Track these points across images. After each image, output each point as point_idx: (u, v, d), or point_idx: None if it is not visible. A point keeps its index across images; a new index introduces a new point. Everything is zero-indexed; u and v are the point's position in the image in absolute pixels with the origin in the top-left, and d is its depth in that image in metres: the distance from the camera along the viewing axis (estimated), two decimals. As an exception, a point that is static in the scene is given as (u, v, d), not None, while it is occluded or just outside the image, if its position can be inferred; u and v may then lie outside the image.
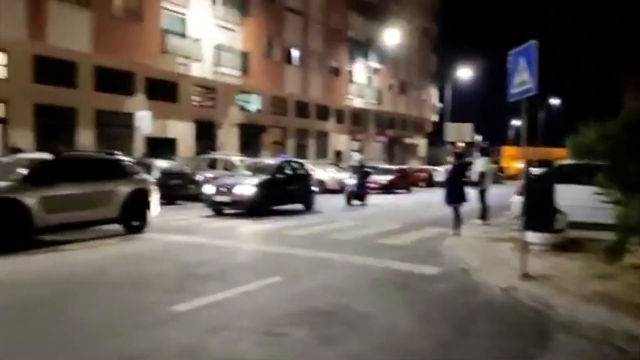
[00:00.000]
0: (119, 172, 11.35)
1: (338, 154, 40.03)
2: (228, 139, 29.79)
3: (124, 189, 11.09)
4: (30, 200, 9.18)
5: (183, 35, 26.00)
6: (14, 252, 8.69)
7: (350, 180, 19.76)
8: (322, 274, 7.88)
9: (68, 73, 21.17)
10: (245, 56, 29.71)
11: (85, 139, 21.51)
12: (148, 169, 17.78)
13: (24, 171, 9.61)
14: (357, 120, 42.89)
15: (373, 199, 21.20)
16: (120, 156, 11.96)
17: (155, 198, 11.92)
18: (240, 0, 29.28)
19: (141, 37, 23.62)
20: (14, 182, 9.33)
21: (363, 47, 41.70)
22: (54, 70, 20.47)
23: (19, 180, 9.39)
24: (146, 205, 11.64)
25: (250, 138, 31.44)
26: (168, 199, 18.01)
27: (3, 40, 18.63)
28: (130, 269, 8.03)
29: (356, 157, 23.46)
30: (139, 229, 11.39)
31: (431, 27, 54.01)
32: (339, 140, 41.03)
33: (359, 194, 19.45)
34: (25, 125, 19.63)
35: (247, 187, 15.05)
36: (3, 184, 9.22)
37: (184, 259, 8.71)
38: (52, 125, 20.51)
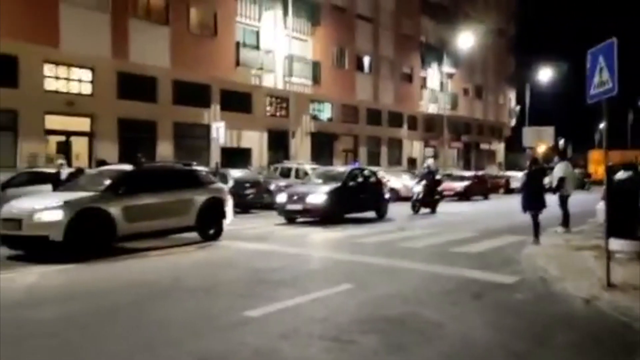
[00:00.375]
0: (195, 181, 11.77)
1: (412, 161, 39.56)
2: (300, 147, 30.20)
3: (200, 198, 11.48)
4: (113, 209, 9.69)
5: (256, 48, 26.72)
6: (99, 258, 9.22)
7: (417, 187, 19.26)
8: (392, 282, 7.79)
9: (148, 88, 22.31)
10: (316, 65, 30.07)
11: (165, 150, 22.54)
12: (224, 178, 18.41)
13: (107, 182, 10.19)
14: (430, 126, 42.25)
15: (447, 207, 20.75)
16: (196, 166, 12.41)
17: (229, 206, 12.26)
18: (311, 11, 29.71)
19: (216, 51, 24.49)
20: (99, 192, 9.92)
21: (436, 51, 41.07)
22: (135, 85, 21.65)
23: (103, 191, 9.97)
24: (221, 213, 11.99)
25: (322, 146, 31.72)
26: (242, 208, 18.52)
27: (89, 59, 19.91)
28: (206, 275, 8.29)
29: (425, 163, 22.98)
30: (214, 237, 11.75)
31: (508, 27, 52.40)
32: (413, 147, 40.56)
33: (428, 201, 18.93)
34: (110, 139, 20.86)
35: (318, 195, 15.17)
36: (89, 194, 9.83)
37: (257, 266, 8.89)
38: (134, 138, 21.65)
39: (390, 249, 10.83)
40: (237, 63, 25.40)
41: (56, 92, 19.67)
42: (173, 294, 7.06)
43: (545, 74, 47.36)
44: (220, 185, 12.76)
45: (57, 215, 9.09)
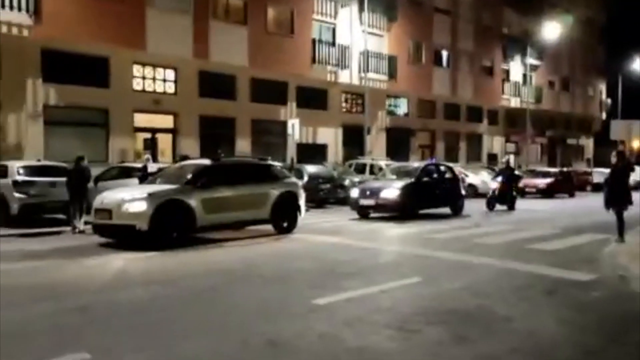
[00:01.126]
0: (270, 176, 12.16)
1: (492, 156, 38.39)
2: (376, 143, 30.15)
3: (274, 192, 11.83)
4: (193, 201, 10.21)
5: (332, 44, 26.93)
6: (180, 247, 9.76)
7: (494, 183, 18.72)
8: (463, 277, 7.71)
9: (228, 86, 23.10)
10: (392, 60, 29.88)
11: (243, 146, 23.27)
12: (299, 173, 18.78)
13: (188, 176, 10.75)
14: (512, 121, 40.76)
15: (528, 204, 20.07)
16: (271, 162, 12.79)
17: (303, 200, 12.54)
18: (387, 6, 29.54)
19: (293, 49, 24.94)
20: (180, 185, 10.48)
21: (519, 43, 39.46)
22: (215, 84, 22.48)
23: (184, 184, 10.53)
24: (295, 207, 12.30)
25: (399, 142, 31.47)
26: (317, 203, 18.82)
27: (173, 59, 20.94)
28: (279, 265, 8.57)
29: (504, 159, 22.26)
30: (288, 230, 12.07)
31: (598, 16, 49.49)
32: (493, 143, 39.35)
33: (505, 198, 18.33)
34: (192, 135, 21.81)
35: (391, 190, 15.15)
36: (171, 187, 10.42)
37: (327, 258, 9.08)
38: (214, 134, 22.51)
39: (464, 244, 10.68)
40: (313, 60, 25.74)
41: (143, 91, 20.81)
42: (247, 282, 7.38)
43: (639, 64, 44.41)
44: (294, 180, 13.08)
45: (143, 206, 9.71)
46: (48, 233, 12.03)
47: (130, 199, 9.88)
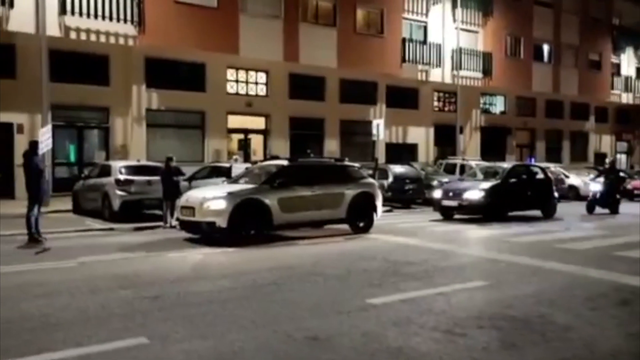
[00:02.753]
0: (347, 176, 12.33)
1: (600, 156, 35.93)
2: (470, 143, 29.36)
3: (351, 192, 11.97)
4: (270, 200, 10.63)
5: (423, 43, 26.57)
6: (256, 244, 10.22)
7: (594, 185, 17.50)
8: (533, 283, 7.43)
9: (317, 87, 23.61)
10: (487, 57, 28.91)
11: (331, 146, 23.68)
12: (383, 174, 18.80)
13: (266, 176, 11.20)
14: (624, 118, 37.94)
15: (635, 208, 18.60)
16: (348, 162, 12.95)
17: (380, 201, 12.58)
18: (482, 1, 28.63)
19: (382, 49, 24.91)
20: (258, 185, 10.96)
21: (632, 34, 36.63)
22: (304, 85, 23.10)
23: (261, 183, 11.01)
24: (371, 207, 12.37)
25: (494, 142, 30.42)
26: (403, 203, 18.73)
27: (264, 63, 21.74)
28: (344, 264, 8.72)
29: (608, 159, 20.76)
30: (364, 230, 12.17)
31: None
32: (601, 141, 36.84)
33: (607, 201, 17.10)
34: (281, 136, 22.55)
35: (475, 191, 14.75)
36: (250, 186, 10.94)
37: (395, 258, 9.08)
38: (303, 135, 23.11)
39: (545, 249, 10.21)
40: (403, 59, 25.55)
41: (236, 94, 21.84)
42: (309, 278, 7.60)
43: None
44: (370, 180, 13.16)
45: (222, 205, 10.27)
46: (144, 228, 13.01)
47: (211, 198, 10.48)
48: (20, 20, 16.48)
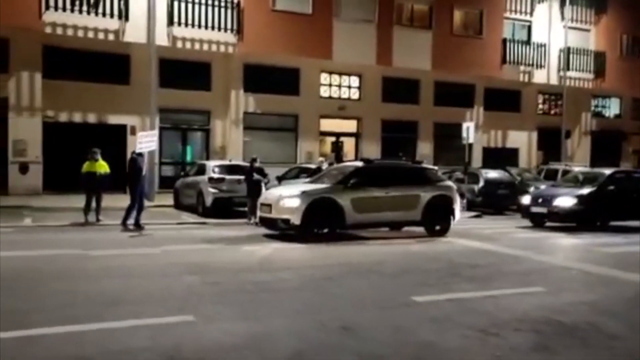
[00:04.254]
0: (424, 178, 12.31)
1: None
2: (578, 148, 27.69)
3: (427, 195, 11.90)
4: (343, 200, 10.91)
5: (527, 43, 25.50)
6: (327, 241, 10.55)
7: None
8: (596, 292, 7.09)
9: (410, 90, 23.56)
10: (599, 56, 27.08)
11: (425, 150, 23.47)
12: (474, 178, 18.38)
13: (341, 176, 11.53)
14: None
15: None
16: (426, 165, 12.90)
17: (457, 204, 12.41)
18: (596, -3, 26.92)
19: (480, 50, 24.24)
20: (333, 184, 11.33)
21: None
22: (398, 88, 23.14)
23: (335, 183, 11.35)
24: (448, 210, 12.23)
25: (606, 147, 28.41)
26: (495, 209, 18.16)
27: (357, 67, 22.08)
28: (405, 264, 8.79)
29: None
30: (440, 233, 12.03)
31: None
32: None
33: None
34: (373, 139, 22.76)
35: (567, 198, 13.98)
36: (324, 186, 11.33)
37: (460, 261, 8.99)
38: (395, 138, 23.14)
39: (630, 261, 9.53)
40: (504, 60, 24.67)
41: (329, 98, 22.39)
42: (365, 275, 7.81)
43: None
44: (449, 183, 13.00)
45: (296, 203, 10.71)
46: (231, 223, 13.83)
47: (287, 196, 10.98)
48: (134, 31, 18.16)
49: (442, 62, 23.13)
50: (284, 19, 20.45)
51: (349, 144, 23.02)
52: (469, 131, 18.30)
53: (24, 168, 17.89)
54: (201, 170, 15.68)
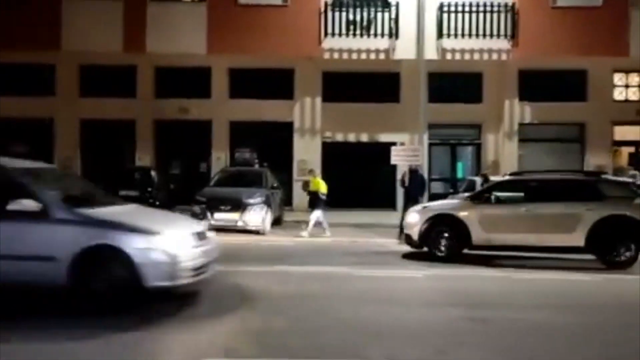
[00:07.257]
0: (593, 193, 9.86)
1: None
2: None
3: (594, 214, 9.47)
4: (468, 216, 9.74)
5: None
6: (447, 262, 9.52)
7: None
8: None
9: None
10: None
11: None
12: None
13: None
14: None
15: None
16: (608, 176, 11.11)
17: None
18: None
19: None
20: (462, 200, 10.63)
21: None
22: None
23: (467, 198, 10.55)
24: (634, 235, 9.33)
25: None
26: None
27: None
28: (514, 300, 6.32)
29: None
30: (622, 265, 9.32)
31: None
32: None
33: None
34: None
35: None
36: (452, 201, 11.06)
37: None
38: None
39: None
40: None
41: (625, 101, 19.11)
42: (418, 304, 5.79)
43: None
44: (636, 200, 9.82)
45: (415, 218, 10.16)
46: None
47: (412, 211, 10.57)
48: (404, 48, 18.14)
49: None
50: (567, 16, 18.09)
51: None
52: None
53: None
54: (471, 186, 14.70)
